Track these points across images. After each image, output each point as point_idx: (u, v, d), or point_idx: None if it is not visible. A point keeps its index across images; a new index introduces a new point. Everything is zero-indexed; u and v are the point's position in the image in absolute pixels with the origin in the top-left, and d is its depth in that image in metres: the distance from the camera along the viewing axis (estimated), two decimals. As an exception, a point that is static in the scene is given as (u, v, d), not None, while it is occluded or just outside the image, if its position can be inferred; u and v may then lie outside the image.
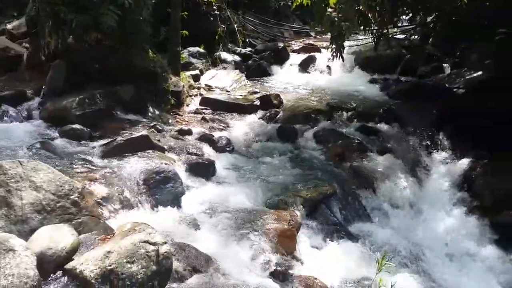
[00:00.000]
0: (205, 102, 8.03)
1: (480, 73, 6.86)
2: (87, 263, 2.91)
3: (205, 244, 4.06)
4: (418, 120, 7.43)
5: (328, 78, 10.38)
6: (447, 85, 7.16)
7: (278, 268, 3.93)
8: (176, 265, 3.54)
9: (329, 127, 7.34)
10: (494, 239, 5.23)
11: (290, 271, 4.00)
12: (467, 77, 6.98)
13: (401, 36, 11.17)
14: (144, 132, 5.62)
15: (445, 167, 6.35)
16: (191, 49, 10.02)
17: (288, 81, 10.10)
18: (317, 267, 4.24)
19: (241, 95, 8.49)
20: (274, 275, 3.88)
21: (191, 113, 7.58)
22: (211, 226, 4.35)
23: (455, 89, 6.86)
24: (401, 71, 9.98)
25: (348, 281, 4.02)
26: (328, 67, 10.82)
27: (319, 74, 10.75)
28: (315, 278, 3.98)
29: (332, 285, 3.92)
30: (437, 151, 6.65)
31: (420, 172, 6.32)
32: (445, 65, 9.55)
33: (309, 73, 10.87)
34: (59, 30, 6.69)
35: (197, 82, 8.99)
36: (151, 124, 6.31)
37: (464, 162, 6.23)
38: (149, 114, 6.79)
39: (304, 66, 11.05)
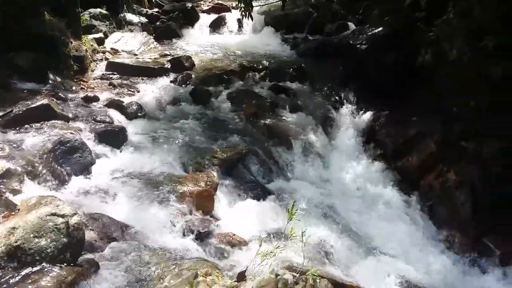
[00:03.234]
0: (111, 66, 7.62)
1: (380, 29, 7.21)
2: (-10, 242, 2.73)
3: (120, 212, 3.99)
4: (326, 77, 7.71)
5: (239, 39, 10.33)
6: (351, 42, 7.46)
7: (197, 229, 3.99)
8: (90, 235, 3.47)
9: (242, 88, 7.38)
10: (396, 183, 5.69)
11: (209, 230, 4.08)
12: (369, 34, 7.30)
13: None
14: (44, 101, 5.22)
15: (351, 120, 6.70)
16: (92, 10, 9.34)
17: (199, 42, 9.89)
18: (235, 223, 4.37)
19: (150, 58, 8.18)
20: (193, 235, 3.94)
21: (97, 79, 7.16)
22: (126, 193, 4.26)
23: (358, 46, 7.17)
24: (309, 30, 10.17)
25: (264, 233, 4.18)
26: (239, 27, 10.74)
27: (230, 34, 10.65)
28: (234, 234, 4.11)
29: (250, 239, 4.05)
30: (344, 106, 6.97)
31: (329, 126, 6.62)
32: (349, 22, 9.92)
33: (220, 34, 10.73)
34: None
35: (101, 46, 8.46)
36: (53, 92, 5.87)
37: (368, 115, 6.61)
38: (50, 81, 6.28)
39: (215, 27, 10.86)
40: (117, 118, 5.70)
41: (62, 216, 2.96)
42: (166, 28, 10.14)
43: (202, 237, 3.94)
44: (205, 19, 11.14)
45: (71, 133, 4.74)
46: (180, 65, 7.81)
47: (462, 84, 5.68)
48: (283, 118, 6.62)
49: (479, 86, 5.52)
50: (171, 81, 7.37)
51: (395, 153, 5.91)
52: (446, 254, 4.86)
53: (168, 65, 7.81)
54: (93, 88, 6.78)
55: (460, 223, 4.95)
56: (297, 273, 2.56)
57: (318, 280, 2.32)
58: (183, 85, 7.27)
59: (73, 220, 2.97)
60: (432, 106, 5.92)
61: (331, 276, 3.69)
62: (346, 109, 6.94)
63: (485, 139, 5.18)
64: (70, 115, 5.34)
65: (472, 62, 5.53)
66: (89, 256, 3.26)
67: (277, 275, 2.39)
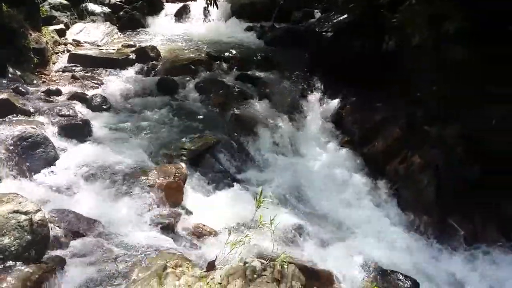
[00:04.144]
0: (74, 58, 7.42)
1: (345, 16, 7.27)
2: (-52, 243, 2.64)
3: (87, 207, 3.92)
4: (293, 65, 7.74)
5: (205, 27, 10.22)
6: (317, 30, 7.50)
7: (166, 221, 3.97)
8: (56, 232, 3.39)
9: (209, 77, 7.31)
10: (363, 168, 5.78)
11: (179, 222, 4.06)
12: (334, 21, 7.36)
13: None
14: (4, 95, 5.05)
15: (318, 108, 6.76)
16: (52, 1, 9.05)
17: (164, 32, 9.73)
18: (205, 214, 4.36)
19: (114, 49, 7.99)
20: (162, 228, 3.90)
21: (59, 71, 6.97)
22: (92, 188, 4.19)
23: (324, 33, 7.22)
24: (276, 18, 10.17)
25: (234, 222, 4.18)
26: (205, 16, 10.62)
27: (196, 23, 10.52)
28: (204, 225, 4.11)
29: (220, 229, 4.06)
30: (311, 93, 7.03)
31: (297, 114, 6.65)
32: (315, 10, 9.97)
33: (186, 23, 10.58)
34: None
35: (63, 38, 8.23)
36: (13, 87, 5.67)
37: (335, 102, 6.68)
38: (9, 75, 6.07)
39: (180, 16, 10.70)
40: (81, 111, 5.56)
41: (25, 213, 2.89)
42: (129, 17, 9.95)
43: (171, 229, 3.92)
44: (170, 8, 10.96)
45: (32, 128, 4.59)
46: (145, 55, 7.68)
47: (425, 69, 5.81)
48: (251, 107, 6.62)
49: (441, 71, 5.66)
50: (136, 72, 7.25)
51: (361, 139, 6.01)
52: (413, 236, 4.98)
53: (133, 56, 7.66)
54: (55, 81, 6.60)
55: (425, 206, 5.09)
56: (266, 260, 2.57)
57: (285, 266, 2.35)
58: (149, 76, 7.16)
59: (37, 217, 2.90)
60: (397, 92, 6.04)
61: (300, 262, 3.75)
62: (314, 96, 7.00)
63: (447, 123, 5.33)
64: (32, 110, 5.18)
65: (434, 47, 5.65)
66: (55, 252, 3.21)
67: (245, 262, 2.40)
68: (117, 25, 9.57)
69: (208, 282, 2.31)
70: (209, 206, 4.54)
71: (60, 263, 3.02)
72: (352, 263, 4.13)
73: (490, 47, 4.96)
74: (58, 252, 3.20)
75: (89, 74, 6.98)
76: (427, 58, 5.77)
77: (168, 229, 3.92)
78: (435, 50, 5.68)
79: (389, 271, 4.07)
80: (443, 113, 5.52)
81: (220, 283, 2.28)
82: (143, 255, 3.27)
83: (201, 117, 6.23)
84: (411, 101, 5.89)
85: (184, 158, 5.09)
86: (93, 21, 9.48)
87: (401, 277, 3.98)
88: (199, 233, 3.99)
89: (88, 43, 8.33)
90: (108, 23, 9.39)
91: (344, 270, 3.98)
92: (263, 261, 2.43)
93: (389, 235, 4.83)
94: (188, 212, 4.34)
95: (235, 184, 5.09)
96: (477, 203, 5.04)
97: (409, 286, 3.94)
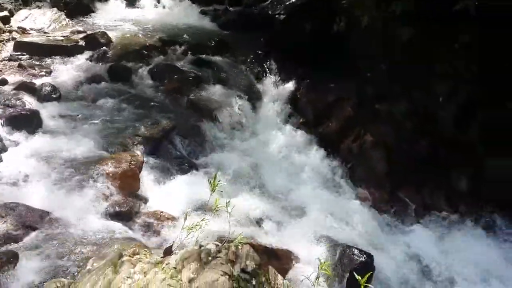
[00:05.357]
0: (20, 47, 7.08)
1: (297, -2, 7.35)
2: None
3: (38, 199, 3.84)
4: (247, 48, 7.71)
5: (157, 12, 9.97)
6: (270, 12, 7.53)
7: (123, 209, 3.94)
8: (7, 226, 3.33)
9: (164, 63, 7.18)
10: (319, 148, 5.91)
11: (136, 210, 4.04)
12: (287, 3, 7.41)
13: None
14: None
15: (274, 90, 6.81)
16: (-7, -13, 8.59)
17: (115, 17, 9.40)
18: (163, 201, 4.36)
19: (62, 36, 7.67)
20: (119, 217, 3.87)
21: (5, 60, 6.63)
22: (44, 180, 4.08)
23: (277, 16, 7.27)
24: (229, 1, 10.06)
25: (193, 207, 4.19)
26: (157, 0, 10.38)
27: (148, 8, 10.22)
28: (162, 212, 4.11)
29: (179, 215, 4.06)
30: (266, 76, 7.06)
31: (253, 97, 6.68)
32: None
33: (138, 7, 10.25)
34: None
35: (7, 25, 7.84)
36: (-47, 78, 5.41)
37: (290, 84, 6.75)
38: (-51, 66, 5.78)
39: (131, 0, 10.39)
40: (29, 101, 5.35)
41: (-30, 208, 2.79)
42: (78, 3, 9.53)
43: (128, 218, 3.90)
44: (120, -7, 10.60)
45: (-24, 120, 4.42)
46: (96, 41, 7.42)
47: (375, 50, 5.96)
48: (207, 91, 6.58)
49: (390, 51, 5.82)
50: (86, 59, 7.00)
51: (316, 120, 6.14)
52: (366, 211, 5.17)
53: (82, 43, 7.39)
54: (0, 70, 6.30)
55: (377, 182, 5.30)
56: (223, 243, 2.61)
57: (240, 247, 2.40)
58: (100, 63, 6.92)
59: (-17, 212, 2.81)
60: (349, 73, 6.17)
61: (258, 242, 3.84)
62: (269, 79, 7.04)
63: (396, 100, 5.52)
64: (-25, 101, 4.96)
65: (383, 29, 5.80)
66: (7, 247, 3.14)
67: (200, 246, 2.43)
68: (65, 11, 9.14)
69: (163, 268, 2.32)
70: (167, 192, 4.53)
71: (13, 257, 2.95)
72: (309, 241, 4.24)
73: (435, 27, 5.14)
74: (10, 247, 3.14)
75: (36, 62, 6.70)
76: (377, 39, 5.92)
77: (125, 217, 3.90)
78: (384, 31, 5.82)
79: (345, 246, 4.20)
80: (393, 92, 5.69)
81: (175, 268, 2.30)
82: (100, 245, 3.25)
83: (155, 103, 6.14)
84: (363, 82, 6.04)
85: (140, 145, 5.03)
86: (39, 7, 9.04)
87: (356, 251, 4.11)
88: (158, 220, 3.98)
89: (35, 30, 7.96)
90: (55, 9, 8.97)
91: (301, 247, 4.10)
92: (218, 243, 2.46)
93: (344, 212, 4.98)
94: (145, 200, 4.31)
95: (192, 169, 5.08)
96: (426, 177, 5.29)
97: (364, 259, 4.07)
